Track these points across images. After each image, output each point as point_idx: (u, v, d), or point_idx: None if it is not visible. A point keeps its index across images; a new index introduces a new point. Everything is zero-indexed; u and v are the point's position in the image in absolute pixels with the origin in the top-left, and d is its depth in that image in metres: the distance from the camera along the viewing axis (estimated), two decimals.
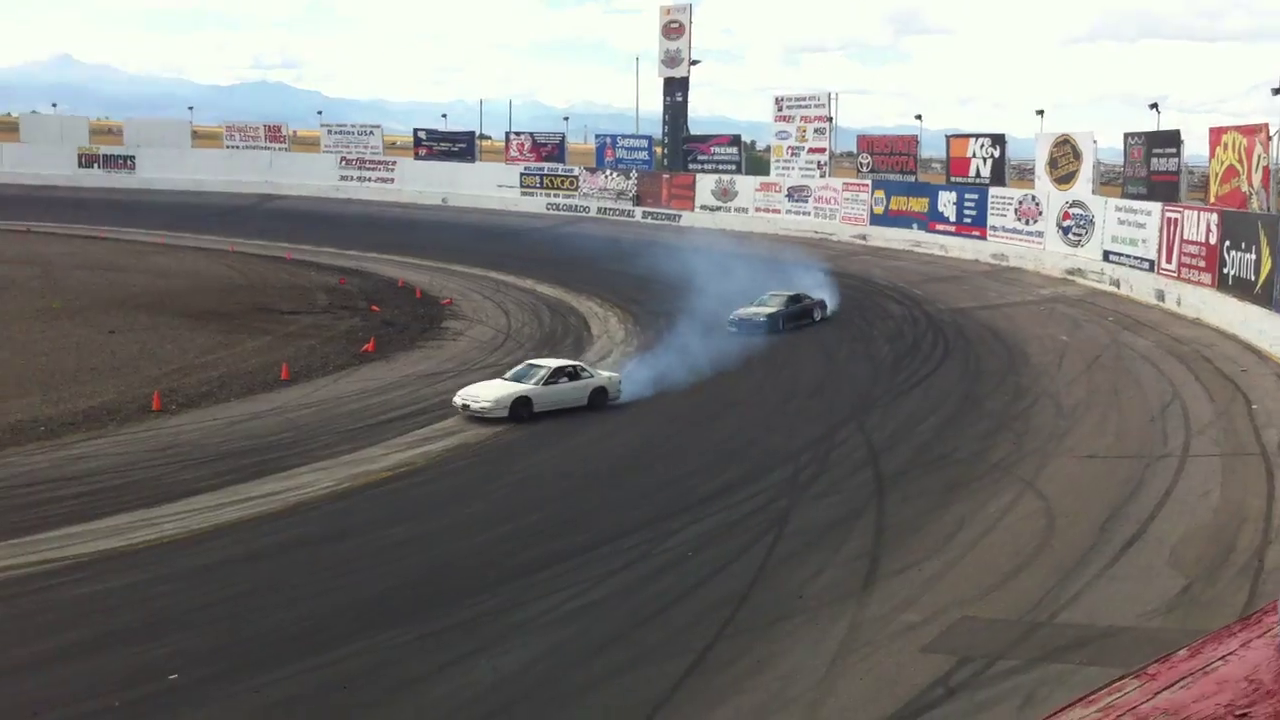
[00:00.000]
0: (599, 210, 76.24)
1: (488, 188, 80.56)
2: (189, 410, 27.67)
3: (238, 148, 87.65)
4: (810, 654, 14.63)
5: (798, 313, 38.98)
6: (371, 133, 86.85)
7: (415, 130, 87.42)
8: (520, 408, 27.01)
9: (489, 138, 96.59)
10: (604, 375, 29.40)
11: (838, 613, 15.97)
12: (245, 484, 21.85)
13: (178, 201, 76.81)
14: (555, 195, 78.84)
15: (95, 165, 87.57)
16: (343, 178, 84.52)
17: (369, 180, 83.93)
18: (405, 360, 34.31)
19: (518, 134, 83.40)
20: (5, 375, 30.17)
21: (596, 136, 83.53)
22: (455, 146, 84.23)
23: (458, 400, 27.35)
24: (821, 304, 40.50)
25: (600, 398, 28.57)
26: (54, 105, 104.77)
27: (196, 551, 18.52)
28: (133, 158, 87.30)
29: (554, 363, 29.21)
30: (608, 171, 77.64)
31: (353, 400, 29.14)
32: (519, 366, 29.20)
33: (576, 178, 78.76)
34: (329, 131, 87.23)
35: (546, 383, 27.80)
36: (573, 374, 28.50)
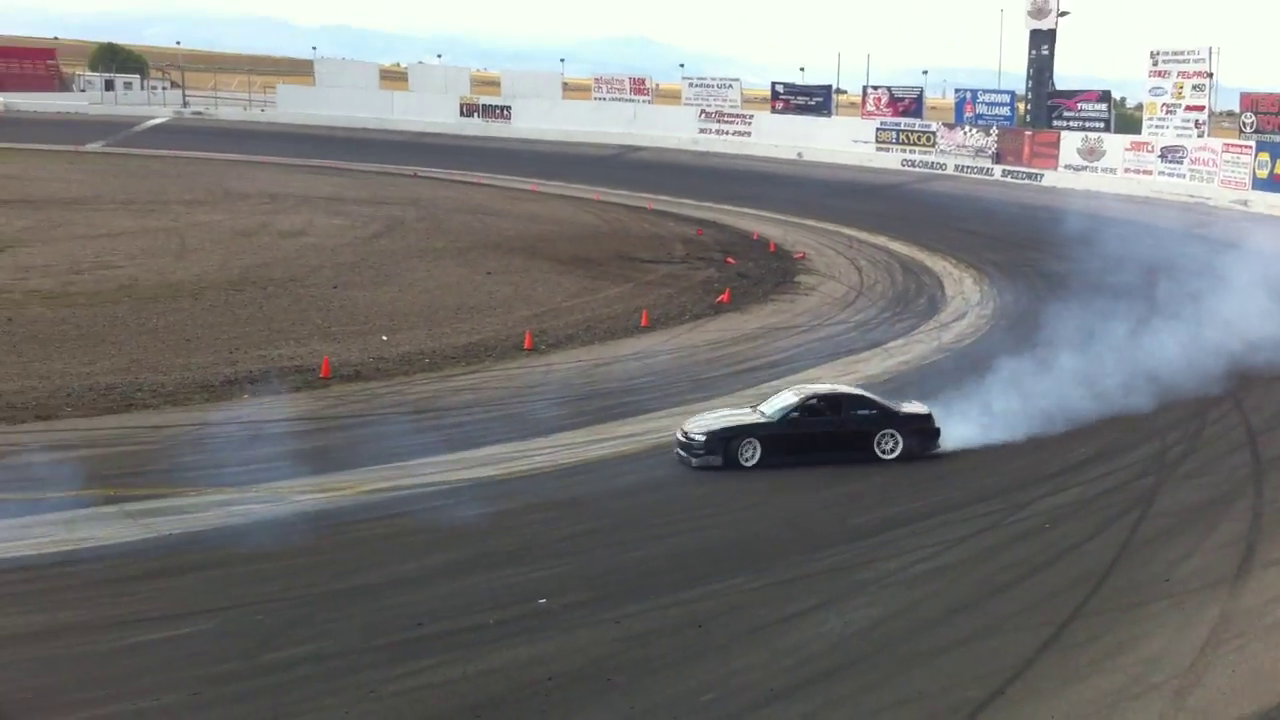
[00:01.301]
0: (956, 167, 74.39)
1: (842, 143, 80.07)
2: (557, 351, 29.20)
3: (604, 99, 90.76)
4: (1176, 640, 14.02)
5: (815, 436, 20.84)
6: (730, 86, 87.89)
7: (773, 83, 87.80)
8: None
9: (845, 92, 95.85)
10: None
11: (1207, 600, 15.20)
12: (607, 424, 22.90)
13: (548, 150, 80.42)
14: (911, 151, 77.42)
15: (475, 114, 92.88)
16: (701, 131, 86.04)
17: (726, 134, 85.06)
18: (758, 313, 34.84)
19: (875, 88, 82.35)
20: (394, 310, 32.75)
21: (956, 91, 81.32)
22: (811, 100, 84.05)
23: None
24: (918, 423, 21.50)
25: None
26: (439, 56, 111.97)
27: (563, 485, 19.61)
28: (509, 108, 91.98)
29: None
30: (966, 128, 75.55)
31: (707, 349, 29.88)
32: None
33: (934, 134, 77.06)
34: (689, 84, 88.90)
35: None
36: None
